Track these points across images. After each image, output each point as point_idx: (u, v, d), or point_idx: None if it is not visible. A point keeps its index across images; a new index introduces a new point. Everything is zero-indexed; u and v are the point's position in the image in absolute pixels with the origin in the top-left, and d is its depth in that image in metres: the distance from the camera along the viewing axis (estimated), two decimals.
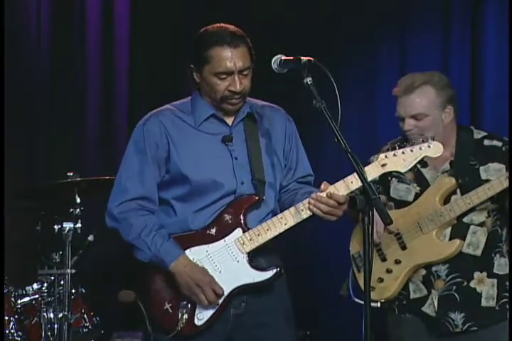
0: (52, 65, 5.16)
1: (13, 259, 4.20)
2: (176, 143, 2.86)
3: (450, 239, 3.24)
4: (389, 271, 3.28)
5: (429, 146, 2.77)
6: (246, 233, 2.78)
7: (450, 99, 3.29)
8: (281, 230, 2.77)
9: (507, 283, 3.26)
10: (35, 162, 5.05)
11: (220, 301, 2.75)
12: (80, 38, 5.28)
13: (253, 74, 2.89)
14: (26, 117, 5.04)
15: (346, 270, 3.52)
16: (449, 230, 3.24)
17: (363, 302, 3.27)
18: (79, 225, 4.22)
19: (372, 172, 2.73)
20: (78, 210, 4.27)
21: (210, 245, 2.79)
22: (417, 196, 3.30)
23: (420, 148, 2.76)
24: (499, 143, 3.29)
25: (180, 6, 5.43)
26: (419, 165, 3.29)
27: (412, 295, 3.28)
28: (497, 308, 3.23)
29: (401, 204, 3.35)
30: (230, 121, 2.92)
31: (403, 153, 2.76)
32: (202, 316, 2.75)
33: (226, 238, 2.79)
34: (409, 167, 2.77)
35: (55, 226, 4.21)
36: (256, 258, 2.81)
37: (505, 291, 3.26)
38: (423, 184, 3.30)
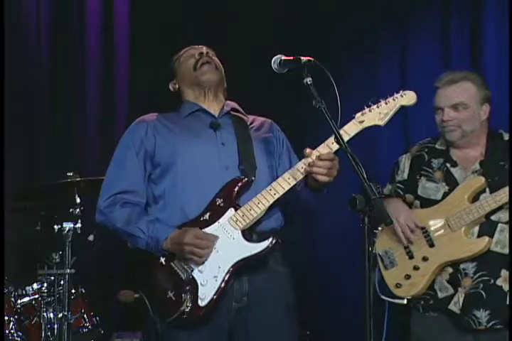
0: (52, 65, 5.16)
1: (13, 259, 4.20)
2: (162, 133, 2.98)
3: (478, 236, 3.25)
4: (416, 268, 3.31)
5: (401, 96, 2.82)
6: (238, 210, 2.82)
7: (487, 98, 3.37)
8: (272, 200, 2.81)
9: None
10: (35, 162, 5.05)
11: (221, 278, 2.77)
12: (80, 38, 5.29)
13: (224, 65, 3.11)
14: (26, 117, 5.04)
15: (347, 270, 3.53)
16: (476, 228, 3.26)
17: (389, 299, 3.34)
18: (79, 225, 4.22)
19: (351, 129, 2.78)
20: (78, 210, 4.27)
21: (205, 229, 2.82)
22: (445, 195, 3.32)
23: (394, 99, 2.81)
24: None
25: (180, 5, 5.43)
26: (448, 165, 3.34)
27: (440, 295, 3.30)
28: None
29: (429, 202, 3.37)
30: (216, 114, 3.04)
31: (378, 107, 2.81)
32: (204, 296, 2.77)
33: (220, 220, 2.83)
34: (387, 119, 2.79)
35: (55, 226, 4.21)
36: (251, 234, 2.85)
37: None
38: (452, 183, 3.32)
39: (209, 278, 2.78)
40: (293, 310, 2.95)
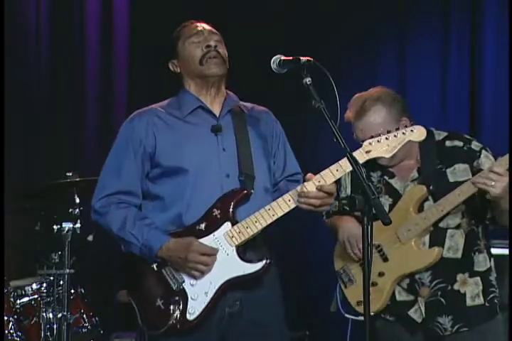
0: (52, 65, 5.16)
1: (12, 259, 4.20)
2: (163, 134, 2.90)
3: (430, 245, 3.21)
4: (374, 284, 3.24)
5: (412, 131, 2.80)
6: (235, 226, 2.79)
7: (402, 111, 3.24)
8: (270, 221, 2.78)
9: (491, 278, 3.24)
10: (35, 162, 5.04)
11: (211, 294, 2.76)
12: (80, 37, 5.29)
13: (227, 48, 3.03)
14: (26, 117, 5.04)
15: None
16: (427, 237, 3.21)
17: (353, 317, 3.27)
18: (78, 225, 4.22)
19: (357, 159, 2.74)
20: (77, 210, 4.26)
21: (200, 240, 2.79)
22: (390, 207, 3.26)
23: (403, 133, 2.79)
24: (460, 143, 3.25)
25: (180, 5, 5.43)
26: (386, 177, 3.28)
27: (398, 298, 3.25)
28: (487, 304, 3.20)
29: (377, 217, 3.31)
30: (217, 112, 2.97)
31: (387, 138, 2.79)
32: (193, 310, 2.75)
33: (215, 232, 2.80)
34: (394, 152, 2.78)
35: (55, 227, 4.21)
36: (245, 251, 2.82)
37: (491, 286, 3.23)
38: (394, 195, 3.26)
39: (200, 293, 2.76)
40: (284, 310, 2.94)
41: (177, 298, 2.77)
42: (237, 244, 2.78)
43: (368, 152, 2.77)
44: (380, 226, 3.14)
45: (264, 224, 2.78)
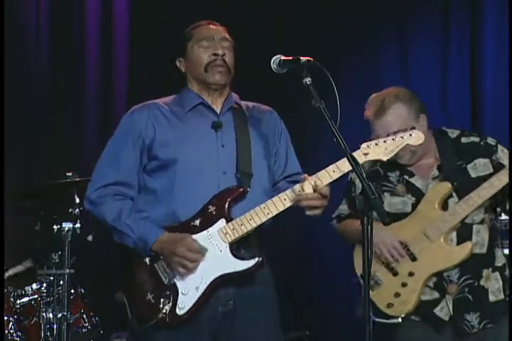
0: (52, 65, 5.16)
1: (12, 259, 4.20)
2: (162, 127, 2.91)
3: (457, 241, 3.21)
4: (404, 285, 3.23)
5: (410, 135, 2.82)
6: (229, 223, 2.80)
7: (420, 109, 3.27)
8: (264, 219, 2.79)
9: (506, 273, 3.25)
10: (35, 162, 5.05)
11: (202, 290, 2.77)
12: (80, 37, 5.29)
13: (235, 54, 3.01)
14: (26, 117, 5.04)
15: (345, 270, 3.50)
16: (454, 234, 3.21)
17: (383, 321, 3.21)
18: (78, 225, 4.23)
19: None
20: (77, 210, 4.27)
21: (194, 236, 2.80)
22: (414, 206, 3.26)
23: (402, 137, 2.81)
24: (476, 139, 3.28)
25: (180, 6, 5.44)
26: (406, 176, 3.28)
27: (422, 297, 3.23)
28: (507, 299, 3.21)
29: (400, 216, 3.27)
30: (218, 109, 2.98)
31: (385, 141, 2.80)
32: (183, 305, 2.76)
33: (209, 229, 2.81)
34: (391, 155, 2.80)
35: (55, 227, 4.22)
36: (238, 248, 2.83)
37: (507, 281, 3.24)
38: (417, 193, 3.26)
39: (191, 288, 2.77)
40: (277, 311, 2.94)
41: (168, 293, 2.78)
42: (230, 240, 2.79)
43: (365, 154, 2.78)
44: (405, 226, 3.15)
45: (259, 222, 2.79)
